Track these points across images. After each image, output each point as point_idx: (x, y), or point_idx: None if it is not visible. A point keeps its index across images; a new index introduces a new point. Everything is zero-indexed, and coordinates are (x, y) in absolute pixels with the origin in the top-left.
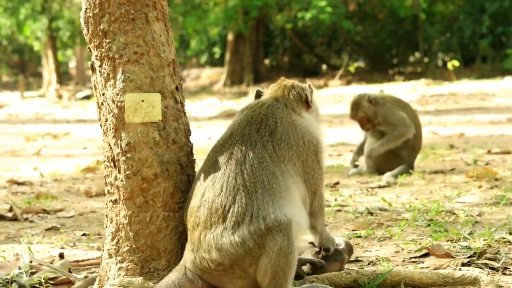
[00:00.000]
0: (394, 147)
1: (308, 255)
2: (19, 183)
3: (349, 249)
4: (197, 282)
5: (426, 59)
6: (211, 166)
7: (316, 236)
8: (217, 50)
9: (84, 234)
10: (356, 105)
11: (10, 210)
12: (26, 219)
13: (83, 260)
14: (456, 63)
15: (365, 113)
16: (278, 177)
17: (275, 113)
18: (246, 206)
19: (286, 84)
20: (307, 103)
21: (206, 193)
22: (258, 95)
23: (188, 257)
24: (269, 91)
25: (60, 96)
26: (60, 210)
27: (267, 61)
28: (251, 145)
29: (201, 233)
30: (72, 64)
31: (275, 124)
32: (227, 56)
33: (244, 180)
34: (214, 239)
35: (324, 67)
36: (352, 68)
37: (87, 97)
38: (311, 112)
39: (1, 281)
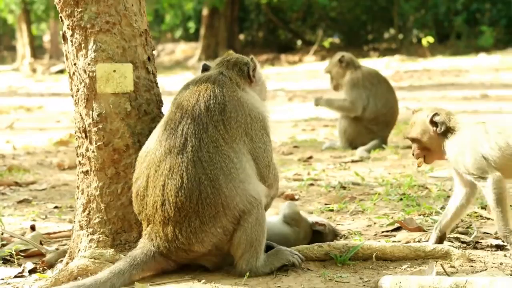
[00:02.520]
0: (332, 110)
1: None
2: None
3: (334, 234)
4: (167, 263)
5: (401, 36)
6: (166, 153)
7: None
8: (192, 25)
9: (56, 207)
10: (330, 60)
11: None
12: None
13: (54, 233)
14: (430, 39)
15: (331, 69)
16: (234, 159)
17: (223, 90)
18: (214, 197)
19: (229, 58)
20: (249, 78)
21: (167, 185)
22: (205, 68)
23: (158, 243)
24: (214, 64)
25: (34, 70)
26: (32, 183)
27: (242, 36)
28: (204, 127)
29: (175, 227)
30: (47, 38)
31: (224, 102)
32: (202, 31)
33: (203, 168)
34: (193, 233)
35: (299, 42)
36: (326, 44)
37: (61, 71)
38: (254, 87)
39: None
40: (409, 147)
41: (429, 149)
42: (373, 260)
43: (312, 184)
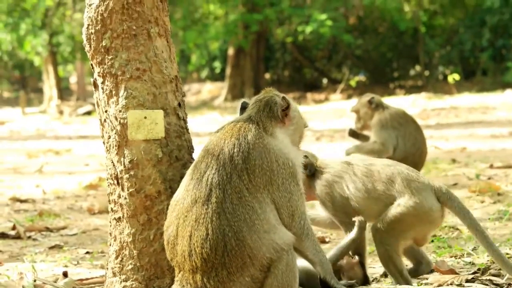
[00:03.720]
0: (364, 154)
1: None
2: (21, 201)
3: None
4: None
5: (426, 73)
6: (192, 203)
7: (314, 266)
8: (217, 65)
9: (87, 252)
10: (358, 100)
11: (13, 228)
12: (29, 237)
13: (87, 279)
14: (456, 76)
15: (359, 109)
16: (257, 210)
17: (247, 137)
18: (239, 249)
19: (262, 98)
20: (280, 118)
21: (193, 236)
22: (244, 107)
23: None
24: (250, 105)
25: (61, 112)
26: (63, 228)
27: (267, 75)
28: (228, 178)
29: (203, 277)
30: (73, 79)
31: (247, 150)
32: (228, 71)
33: (227, 219)
34: (221, 282)
35: (325, 81)
36: (353, 82)
37: (88, 113)
38: (287, 127)
39: None
40: None
41: None
42: None
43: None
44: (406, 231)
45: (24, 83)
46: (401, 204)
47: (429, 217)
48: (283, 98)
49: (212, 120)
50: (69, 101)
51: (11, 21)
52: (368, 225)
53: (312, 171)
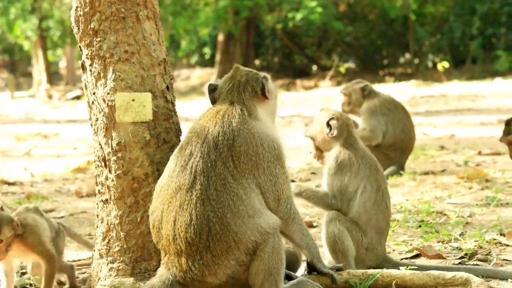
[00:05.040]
0: None
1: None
2: (9, 183)
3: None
4: None
5: (416, 60)
6: (176, 190)
7: (301, 250)
8: (207, 51)
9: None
10: (350, 85)
11: (1, 209)
12: None
13: (74, 261)
14: (446, 64)
15: (350, 93)
16: (242, 196)
17: (232, 124)
18: (224, 233)
19: (240, 79)
20: (264, 96)
21: (177, 221)
22: (212, 89)
23: (174, 272)
24: (223, 86)
25: (50, 96)
26: (51, 211)
27: (257, 62)
28: (212, 165)
29: (188, 260)
30: (63, 64)
31: (232, 137)
32: (218, 57)
33: (212, 206)
34: (206, 266)
35: (314, 67)
36: (342, 69)
37: (78, 97)
38: (268, 102)
39: None
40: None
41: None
42: None
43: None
44: None
45: (13, 67)
46: None
47: None
48: (264, 76)
49: (201, 106)
50: (58, 85)
51: (0, 5)
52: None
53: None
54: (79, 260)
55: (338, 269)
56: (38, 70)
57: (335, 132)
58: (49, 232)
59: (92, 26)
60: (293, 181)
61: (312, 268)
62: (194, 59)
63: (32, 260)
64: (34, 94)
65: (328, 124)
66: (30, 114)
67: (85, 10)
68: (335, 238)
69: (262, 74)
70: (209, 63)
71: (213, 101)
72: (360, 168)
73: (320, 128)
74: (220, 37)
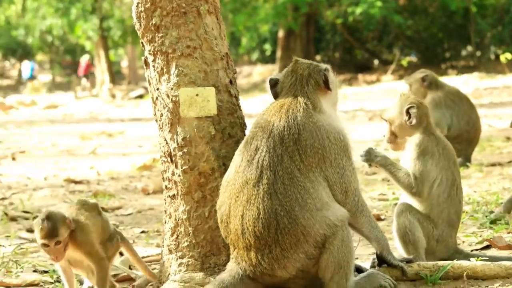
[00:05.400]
0: None
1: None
2: (76, 182)
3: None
4: (255, 285)
5: (478, 53)
6: (243, 184)
7: (371, 242)
8: (268, 47)
9: (143, 232)
10: (413, 75)
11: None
12: None
13: (143, 257)
14: (509, 56)
15: (412, 83)
16: (309, 190)
17: (297, 118)
18: (292, 227)
19: (302, 73)
20: (327, 87)
21: (245, 216)
22: (274, 83)
23: (243, 266)
24: (285, 80)
25: (113, 96)
26: (118, 208)
27: (318, 57)
28: (279, 160)
29: (257, 254)
30: (124, 63)
31: (298, 131)
32: (278, 53)
33: (279, 200)
34: (275, 259)
35: (375, 62)
36: (404, 62)
37: (140, 96)
38: (331, 93)
39: (57, 278)
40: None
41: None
42: (464, 279)
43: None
44: None
45: (76, 67)
46: None
47: None
48: (326, 68)
49: (264, 102)
50: (121, 85)
51: (61, 6)
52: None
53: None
54: (148, 256)
55: (408, 261)
56: (101, 70)
57: (414, 121)
58: (102, 233)
59: (153, 22)
60: None
61: (381, 261)
62: (255, 55)
63: (84, 262)
64: (97, 94)
65: (407, 112)
66: (94, 113)
67: (146, 6)
68: (406, 229)
69: (324, 66)
70: (270, 59)
71: (275, 96)
72: (440, 159)
73: (399, 114)
74: (281, 33)
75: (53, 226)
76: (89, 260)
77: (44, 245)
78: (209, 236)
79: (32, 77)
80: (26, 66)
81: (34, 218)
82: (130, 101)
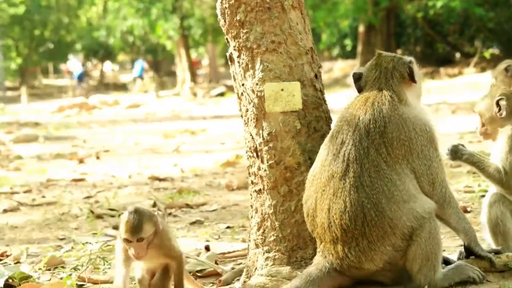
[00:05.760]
0: None
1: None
2: (160, 179)
3: None
4: (342, 278)
5: None
6: (329, 178)
7: (458, 234)
8: (348, 42)
9: (228, 227)
10: (497, 67)
11: (154, 205)
12: (169, 214)
13: (229, 252)
14: None
15: (496, 76)
16: (396, 182)
17: (382, 111)
18: (379, 219)
19: (386, 66)
20: (412, 80)
21: (331, 209)
22: (358, 78)
23: (330, 259)
24: (369, 73)
25: (194, 94)
26: (203, 204)
27: (399, 51)
28: (365, 152)
29: (344, 247)
30: (205, 62)
31: (384, 124)
32: (359, 48)
33: (366, 192)
34: (362, 252)
35: (457, 55)
36: (487, 54)
37: (222, 94)
38: (414, 87)
39: None
40: None
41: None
42: None
43: (483, 196)
44: None
45: (157, 67)
46: None
47: None
48: (410, 60)
49: (346, 97)
50: (202, 83)
51: (142, 6)
52: None
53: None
54: (234, 251)
55: (497, 252)
56: (182, 69)
57: (504, 113)
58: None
59: (238, 18)
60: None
61: (469, 252)
62: (335, 51)
63: (158, 262)
64: (179, 92)
65: (497, 104)
66: (176, 111)
67: (230, 2)
68: (497, 220)
69: (408, 58)
70: (351, 54)
71: (359, 90)
72: None
73: (488, 106)
74: (361, 28)
75: (139, 222)
76: (168, 260)
77: (127, 240)
78: (295, 230)
79: (141, 76)
80: (137, 65)
81: (120, 215)
82: (212, 99)
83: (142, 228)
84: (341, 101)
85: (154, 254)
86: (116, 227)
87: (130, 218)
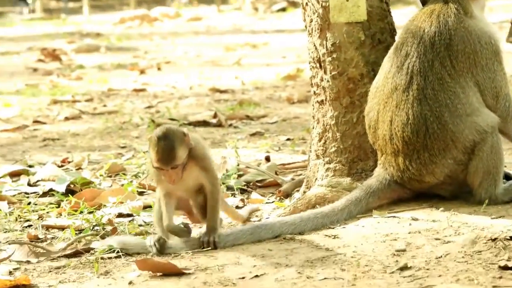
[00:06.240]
0: None
1: None
2: (221, 91)
3: None
4: (402, 191)
5: None
6: (392, 90)
7: None
8: None
9: (288, 139)
10: None
11: (214, 116)
12: (230, 125)
13: (288, 163)
14: None
15: None
16: (460, 95)
17: (448, 23)
18: (441, 132)
19: None
20: None
21: (394, 121)
22: None
23: (391, 172)
24: None
25: (256, 9)
26: (263, 116)
27: None
28: (429, 65)
29: (405, 159)
30: None
31: (449, 36)
32: None
33: (429, 105)
34: (423, 165)
35: None
36: None
37: (283, 9)
38: (479, 0)
39: None
40: None
41: None
42: None
43: None
44: None
45: None
46: None
47: None
48: None
49: (407, 14)
50: None
51: None
52: None
53: None
54: (294, 162)
55: None
56: None
57: None
58: None
59: None
60: None
61: None
62: None
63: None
64: (240, 7)
65: None
66: (237, 25)
67: None
68: None
69: None
70: None
71: (423, 3)
72: None
73: None
74: None
75: (171, 148)
76: (205, 178)
77: (159, 169)
78: (356, 142)
79: None
80: None
81: (181, 125)
82: (273, 14)
83: (175, 155)
84: (404, 17)
85: (189, 175)
86: None
87: (161, 144)
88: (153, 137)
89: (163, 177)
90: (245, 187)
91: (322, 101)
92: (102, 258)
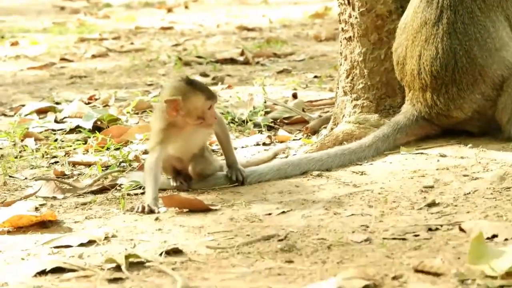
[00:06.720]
0: None
1: None
2: (248, 29)
3: None
4: (430, 127)
5: None
6: (422, 25)
7: None
8: None
9: (315, 76)
10: None
11: (242, 54)
12: (257, 62)
13: (316, 100)
14: None
15: None
16: (489, 29)
17: None
18: (470, 66)
19: None
20: None
21: (423, 56)
22: None
23: (419, 107)
24: None
25: None
26: (291, 54)
27: None
28: None
29: (433, 94)
30: None
31: None
32: None
33: (458, 39)
34: (451, 99)
35: None
36: None
37: None
38: None
39: (237, 120)
40: None
41: None
42: None
43: None
44: None
45: None
46: None
47: None
48: None
49: None
50: None
51: None
52: None
53: None
54: (321, 100)
55: None
56: None
57: None
58: None
59: None
60: None
61: None
62: None
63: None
64: None
65: None
66: None
67: None
68: None
69: None
70: None
71: None
72: None
73: None
74: None
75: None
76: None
77: (209, 105)
78: (384, 78)
79: None
80: None
81: (208, 63)
82: None
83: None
84: None
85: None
86: (203, 74)
87: (200, 84)
88: (180, 86)
89: (206, 118)
90: (272, 124)
91: (350, 37)
92: (128, 194)
